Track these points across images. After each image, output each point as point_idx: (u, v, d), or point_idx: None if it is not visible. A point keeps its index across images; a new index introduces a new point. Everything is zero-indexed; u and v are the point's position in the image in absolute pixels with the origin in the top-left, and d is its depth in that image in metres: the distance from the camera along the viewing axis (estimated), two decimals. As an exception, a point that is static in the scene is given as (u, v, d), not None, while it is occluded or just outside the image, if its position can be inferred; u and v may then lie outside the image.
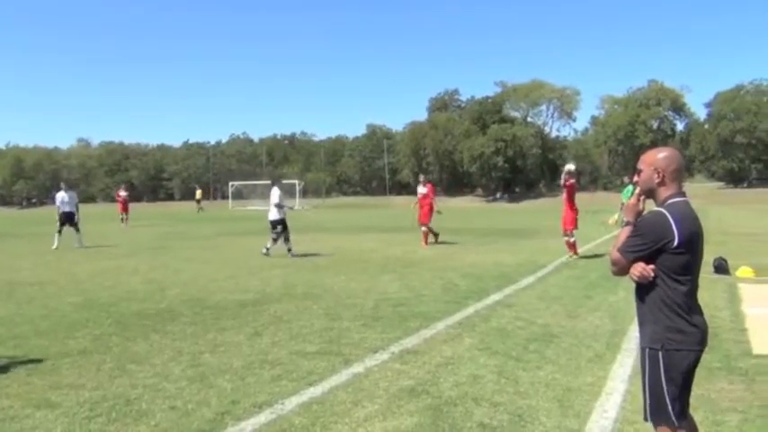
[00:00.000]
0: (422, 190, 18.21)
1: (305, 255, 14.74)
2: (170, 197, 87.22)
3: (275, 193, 15.08)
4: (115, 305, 8.68)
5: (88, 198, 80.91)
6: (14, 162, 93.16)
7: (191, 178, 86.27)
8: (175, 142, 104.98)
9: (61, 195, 18.32)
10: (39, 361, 5.86)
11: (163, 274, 11.91)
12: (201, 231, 22.09)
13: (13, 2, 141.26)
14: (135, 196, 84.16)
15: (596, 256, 13.91)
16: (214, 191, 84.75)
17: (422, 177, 19.12)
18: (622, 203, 21.52)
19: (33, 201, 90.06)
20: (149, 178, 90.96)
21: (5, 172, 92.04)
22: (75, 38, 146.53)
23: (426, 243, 17.18)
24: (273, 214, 14.89)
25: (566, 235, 13.86)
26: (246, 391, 4.94)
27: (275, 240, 14.79)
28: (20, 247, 18.85)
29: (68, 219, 18.16)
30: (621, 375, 5.26)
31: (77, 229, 18.12)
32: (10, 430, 4.18)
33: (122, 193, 32.25)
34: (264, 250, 14.68)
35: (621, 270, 3.03)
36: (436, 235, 17.68)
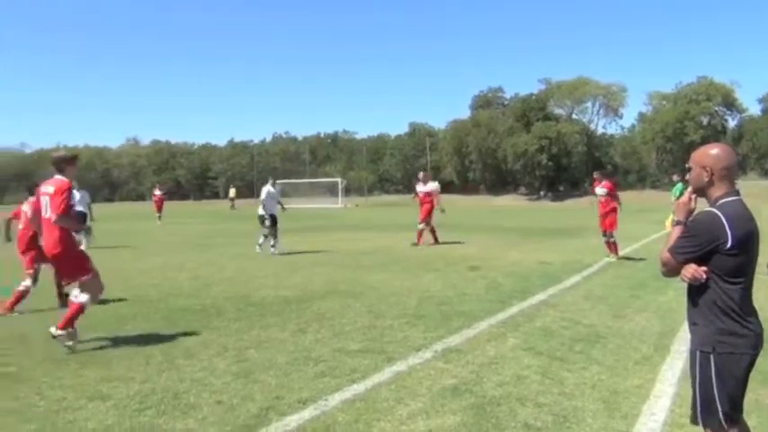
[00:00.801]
0: (422, 188, 17.44)
1: (347, 253, 14.80)
2: (215, 195, 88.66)
3: (264, 190, 15.69)
4: (162, 301, 8.87)
5: (138, 196, 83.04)
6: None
7: (235, 176, 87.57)
8: (220, 141, 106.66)
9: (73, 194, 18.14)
10: (91, 354, 6.04)
11: (208, 270, 12.12)
12: (243, 229, 22.37)
13: (63, 4, 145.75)
14: (182, 194, 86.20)
15: (635, 259, 13.61)
16: (257, 189, 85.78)
17: (421, 174, 18.30)
18: (672, 203, 21.07)
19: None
20: (195, 177, 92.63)
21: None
22: (123, 38, 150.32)
23: (420, 242, 16.56)
24: (260, 210, 15.43)
25: (605, 236, 13.33)
26: (290, 386, 4.99)
27: (269, 237, 15.09)
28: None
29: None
30: (670, 378, 5.14)
31: (88, 230, 16.94)
32: (64, 421, 4.32)
33: (157, 192, 33.21)
34: (272, 250, 14.84)
35: (672, 271, 2.95)
36: (435, 237, 17.03)
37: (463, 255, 14.35)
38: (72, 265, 6.37)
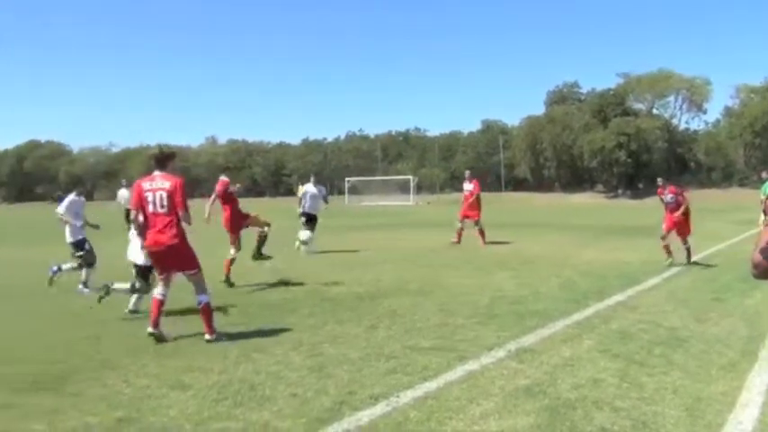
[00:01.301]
0: (468, 187, 17.24)
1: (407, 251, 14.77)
2: (290, 192, 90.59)
3: (304, 189, 15.71)
4: (241, 295, 9.13)
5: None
6: (147, 160, 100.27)
7: (309, 174, 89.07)
8: (294, 140, 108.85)
9: (121, 193, 17.88)
10: (172, 345, 6.28)
11: (284, 265, 12.37)
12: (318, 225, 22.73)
13: (145, 8, 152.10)
14: (258, 191, 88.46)
15: (704, 265, 12.98)
16: (331, 186, 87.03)
17: (467, 173, 18.15)
18: (761, 201, 19.98)
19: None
20: (271, 174, 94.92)
21: (142, 169, 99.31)
22: (200, 40, 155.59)
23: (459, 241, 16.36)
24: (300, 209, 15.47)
25: (684, 242, 12.11)
26: (363, 382, 5.04)
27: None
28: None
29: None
30: (759, 386, 4.88)
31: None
32: (148, 407, 4.51)
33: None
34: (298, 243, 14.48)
35: (764, 273, 2.79)
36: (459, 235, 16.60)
37: (537, 253, 14.10)
38: (188, 257, 6.67)
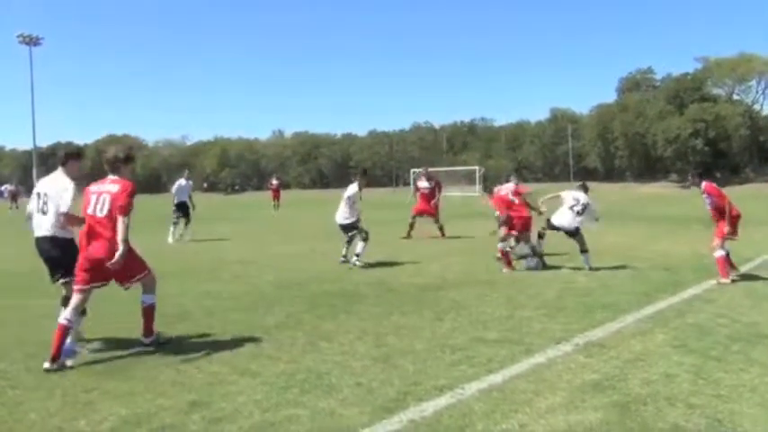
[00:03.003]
0: (424, 184, 17.09)
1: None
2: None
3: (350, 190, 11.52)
4: (307, 285, 9.28)
5: (285, 186, 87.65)
6: (221, 152, 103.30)
7: (375, 166, 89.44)
8: (361, 131, 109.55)
9: (179, 183, 17.08)
10: (242, 333, 6.45)
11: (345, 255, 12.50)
12: (384, 217, 22.80)
13: (217, 8, 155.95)
14: (324, 183, 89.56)
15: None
16: (396, 178, 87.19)
17: (422, 170, 17.94)
18: None
19: (236, 187, 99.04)
20: (337, 166, 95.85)
21: (214, 161, 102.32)
22: (270, 37, 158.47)
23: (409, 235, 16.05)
24: (342, 216, 11.39)
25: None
26: (428, 373, 5.04)
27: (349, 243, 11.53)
28: (226, 229, 20.78)
29: (184, 209, 16.91)
30: None
31: (188, 221, 16.95)
32: (218, 393, 4.66)
33: (274, 182, 35.03)
34: (347, 258, 11.37)
35: None
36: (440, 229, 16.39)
37: (608, 244, 13.72)
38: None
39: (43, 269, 6.13)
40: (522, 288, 8.79)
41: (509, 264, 10.46)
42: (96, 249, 5.57)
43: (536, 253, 10.77)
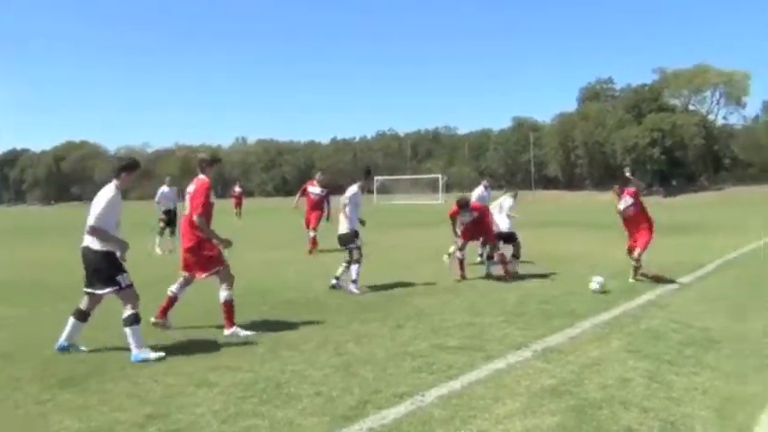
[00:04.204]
0: (315, 190, 15.29)
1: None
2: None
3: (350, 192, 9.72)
4: (268, 293, 9.21)
5: (248, 193, 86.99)
6: (182, 161, 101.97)
7: (339, 173, 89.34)
8: (324, 138, 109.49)
9: (161, 191, 16.19)
10: (200, 343, 6.36)
11: (311, 265, 12.46)
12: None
13: (177, 12, 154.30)
14: (287, 191, 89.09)
15: (739, 264, 12.67)
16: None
17: (318, 175, 16.00)
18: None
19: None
20: (300, 173, 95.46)
21: (175, 169, 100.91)
22: (235, 43, 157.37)
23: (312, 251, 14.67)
24: (341, 225, 9.71)
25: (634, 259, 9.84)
26: (388, 381, 5.04)
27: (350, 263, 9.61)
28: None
29: (171, 217, 16.07)
30: (794, 387, 4.77)
31: (173, 230, 15.64)
32: (175, 405, 4.58)
33: (237, 189, 34.83)
34: (339, 282, 9.62)
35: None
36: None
37: (571, 252, 13.95)
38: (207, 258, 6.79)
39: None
40: (484, 295, 8.88)
41: (461, 271, 10.49)
42: (183, 242, 6.80)
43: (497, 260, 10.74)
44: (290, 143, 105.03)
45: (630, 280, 9.67)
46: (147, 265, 11.96)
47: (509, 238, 11.21)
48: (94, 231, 5.75)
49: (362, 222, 9.91)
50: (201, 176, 6.85)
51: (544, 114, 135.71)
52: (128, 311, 5.83)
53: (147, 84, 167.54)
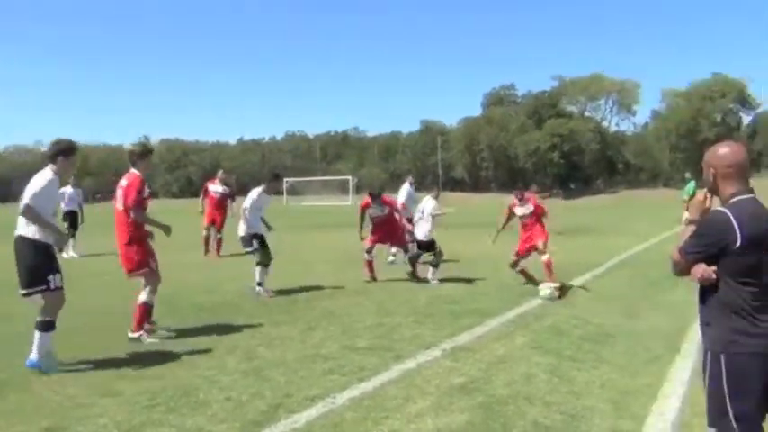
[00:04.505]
0: (217, 189, 14.79)
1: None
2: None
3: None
4: (176, 297, 8.90)
5: (152, 194, 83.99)
6: (81, 159, 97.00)
7: (247, 174, 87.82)
8: (231, 139, 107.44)
9: (64, 191, 14.78)
10: (104, 350, 6.07)
11: (219, 268, 12.18)
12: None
13: (74, 4, 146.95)
14: (193, 192, 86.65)
15: (632, 264, 13.50)
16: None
17: (220, 173, 15.76)
18: (683, 201, 20.87)
19: (98, 196, 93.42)
20: (207, 174, 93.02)
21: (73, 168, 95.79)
22: (136, 38, 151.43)
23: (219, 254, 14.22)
24: (242, 229, 9.55)
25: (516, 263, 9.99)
26: (299, 384, 5.01)
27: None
28: (89, 241, 19.47)
29: (73, 219, 15.43)
30: (680, 378, 5.12)
31: (74, 233, 15.04)
32: (76, 416, 4.36)
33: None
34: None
35: (682, 270, 2.93)
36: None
37: (477, 254, 14.32)
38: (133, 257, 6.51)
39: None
40: (393, 295, 8.98)
41: (371, 272, 10.50)
42: (117, 240, 6.47)
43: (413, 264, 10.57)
44: (197, 143, 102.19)
45: (546, 285, 8.86)
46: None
47: (429, 246, 10.50)
48: (29, 211, 5.22)
49: (268, 227, 9.79)
50: (133, 170, 6.57)
51: (451, 118, 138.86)
52: (45, 317, 5.41)
53: (39, 80, 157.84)
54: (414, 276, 10.50)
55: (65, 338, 6.24)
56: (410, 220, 11.26)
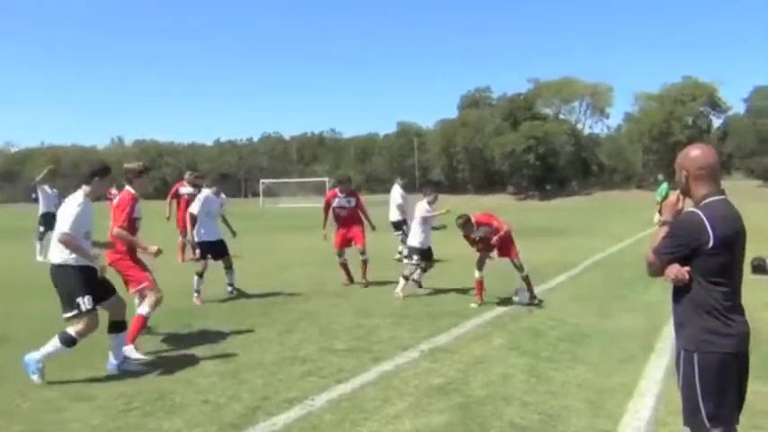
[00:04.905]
0: (187, 190, 13.90)
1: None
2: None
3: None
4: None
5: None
6: (52, 160, 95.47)
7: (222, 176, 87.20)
8: (207, 140, 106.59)
9: (44, 190, 14.57)
10: (78, 355, 5.97)
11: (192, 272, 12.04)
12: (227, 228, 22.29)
13: (45, 3, 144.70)
14: (167, 193, 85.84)
15: (606, 264, 13.67)
16: (245, 188, 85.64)
17: (187, 175, 14.99)
18: (656, 202, 21.16)
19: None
20: (182, 175, 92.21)
21: (44, 170, 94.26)
22: (108, 39, 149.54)
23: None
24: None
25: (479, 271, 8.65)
26: (277, 386, 4.99)
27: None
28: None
29: (49, 221, 14.23)
30: (655, 376, 5.19)
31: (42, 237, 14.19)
32: (49, 421, 4.29)
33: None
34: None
35: (656, 271, 2.97)
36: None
37: (455, 254, 14.35)
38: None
39: None
40: (371, 297, 8.98)
41: (347, 275, 10.29)
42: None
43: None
44: (171, 144, 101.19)
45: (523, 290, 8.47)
46: (31, 272, 11.12)
47: (427, 254, 9.49)
48: (67, 239, 5.10)
49: (233, 232, 9.74)
50: (128, 188, 6.35)
51: (427, 120, 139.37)
52: (70, 332, 5.19)
53: (7, 81, 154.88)
54: (419, 286, 9.43)
55: (36, 343, 6.14)
56: (405, 222, 10.77)
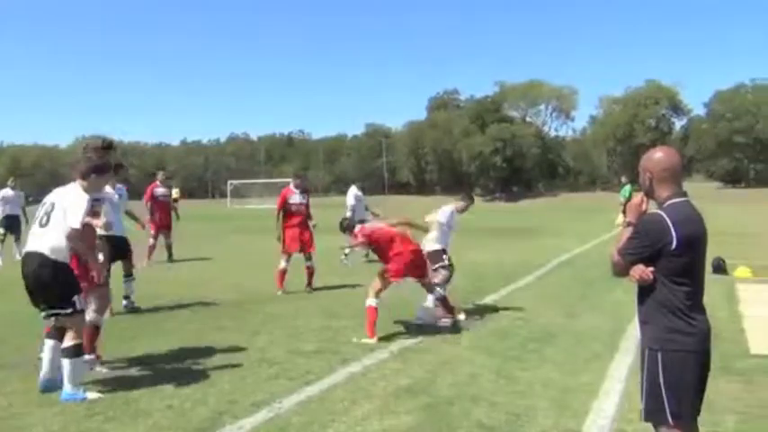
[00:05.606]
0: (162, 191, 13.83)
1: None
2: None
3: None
4: (114, 303, 8.62)
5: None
6: (11, 160, 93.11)
7: (191, 177, 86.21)
8: (174, 141, 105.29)
9: (3, 194, 14.29)
10: (38, 359, 5.83)
11: (161, 272, 11.89)
12: (194, 229, 21.97)
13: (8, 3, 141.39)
14: (135, 194, 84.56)
15: (573, 265, 13.86)
16: (212, 189, 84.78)
17: (160, 174, 14.34)
18: (620, 203, 21.52)
19: (30, 198, 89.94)
20: (148, 176, 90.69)
21: (2, 169, 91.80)
22: (72, 36, 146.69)
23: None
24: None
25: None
26: (245, 390, 4.93)
27: None
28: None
29: (14, 223, 14.32)
30: (619, 375, 5.27)
31: (18, 237, 13.80)
32: (10, 428, 4.18)
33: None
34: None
35: (621, 272, 3.02)
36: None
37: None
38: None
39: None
40: (338, 298, 8.95)
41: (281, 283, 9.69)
42: None
43: None
44: (137, 144, 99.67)
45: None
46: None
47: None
48: (77, 234, 4.76)
49: (142, 226, 9.63)
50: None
51: (396, 122, 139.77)
52: (71, 341, 4.85)
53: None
54: (454, 318, 7.39)
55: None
56: (362, 222, 10.56)
